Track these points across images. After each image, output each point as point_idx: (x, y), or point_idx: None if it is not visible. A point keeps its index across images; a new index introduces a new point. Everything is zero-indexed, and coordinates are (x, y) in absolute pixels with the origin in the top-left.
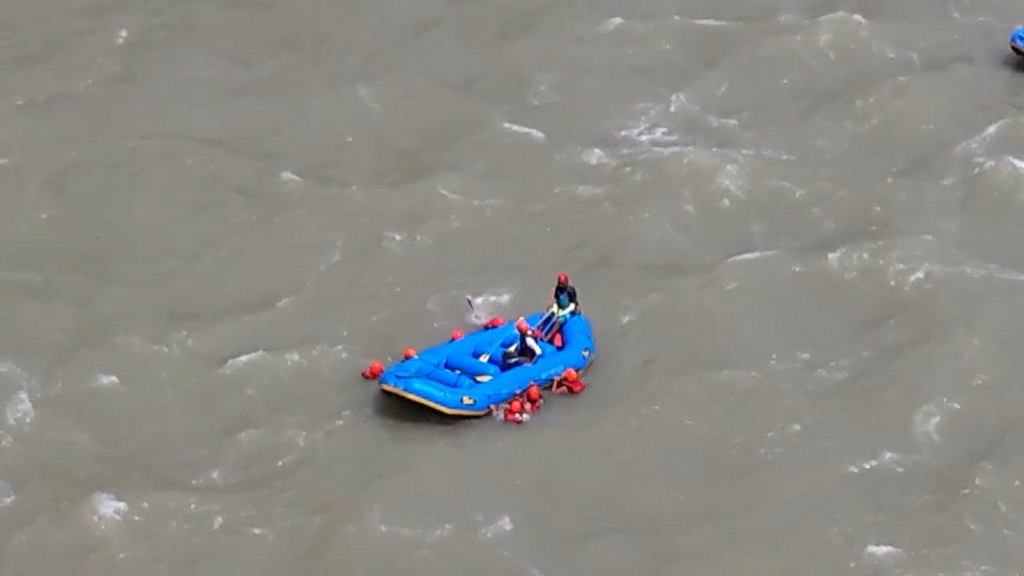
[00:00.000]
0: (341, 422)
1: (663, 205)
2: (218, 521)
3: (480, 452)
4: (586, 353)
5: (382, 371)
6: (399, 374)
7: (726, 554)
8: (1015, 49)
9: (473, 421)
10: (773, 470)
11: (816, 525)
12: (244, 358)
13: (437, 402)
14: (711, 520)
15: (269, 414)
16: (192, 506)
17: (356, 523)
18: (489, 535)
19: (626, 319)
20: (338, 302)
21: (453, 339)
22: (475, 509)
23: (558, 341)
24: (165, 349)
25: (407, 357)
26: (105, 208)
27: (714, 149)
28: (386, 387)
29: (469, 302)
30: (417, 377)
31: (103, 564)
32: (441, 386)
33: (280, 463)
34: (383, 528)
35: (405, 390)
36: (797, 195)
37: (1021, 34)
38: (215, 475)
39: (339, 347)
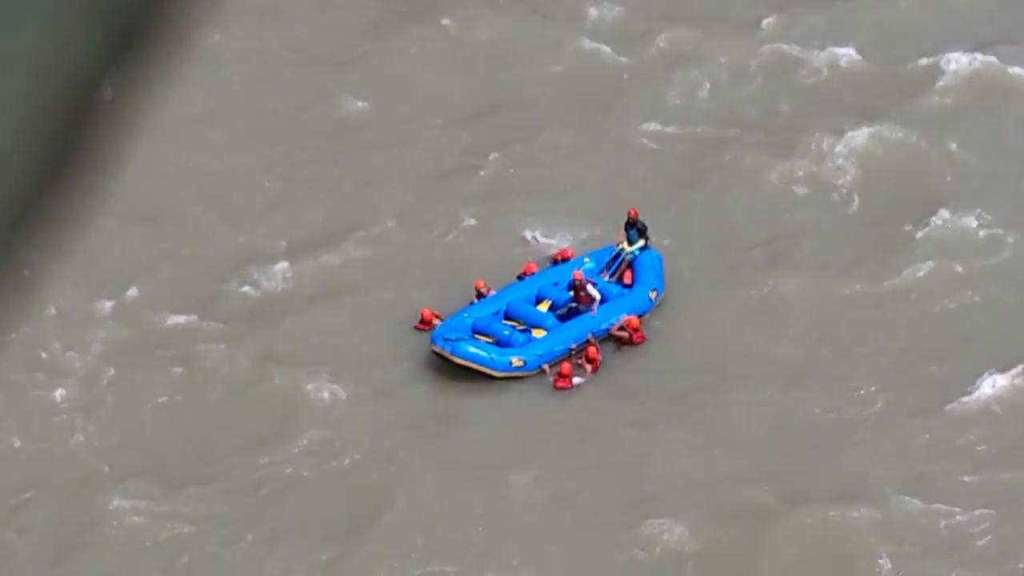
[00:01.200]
0: (395, 375)
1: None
2: (261, 471)
3: (534, 414)
4: (653, 295)
5: (432, 320)
6: (447, 336)
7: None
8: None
9: (531, 381)
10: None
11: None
12: (306, 294)
13: (485, 366)
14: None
15: (321, 359)
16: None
17: (405, 486)
18: (529, 501)
19: (710, 269)
20: (411, 235)
21: (525, 274)
22: (516, 473)
23: (628, 278)
24: (227, 285)
25: (477, 290)
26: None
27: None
28: (434, 348)
29: (535, 238)
30: (465, 339)
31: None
32: (490, 347)
33: (331, 415)
34: (430, 494)
35: (452, 354)
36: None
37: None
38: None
39: (409, 282)
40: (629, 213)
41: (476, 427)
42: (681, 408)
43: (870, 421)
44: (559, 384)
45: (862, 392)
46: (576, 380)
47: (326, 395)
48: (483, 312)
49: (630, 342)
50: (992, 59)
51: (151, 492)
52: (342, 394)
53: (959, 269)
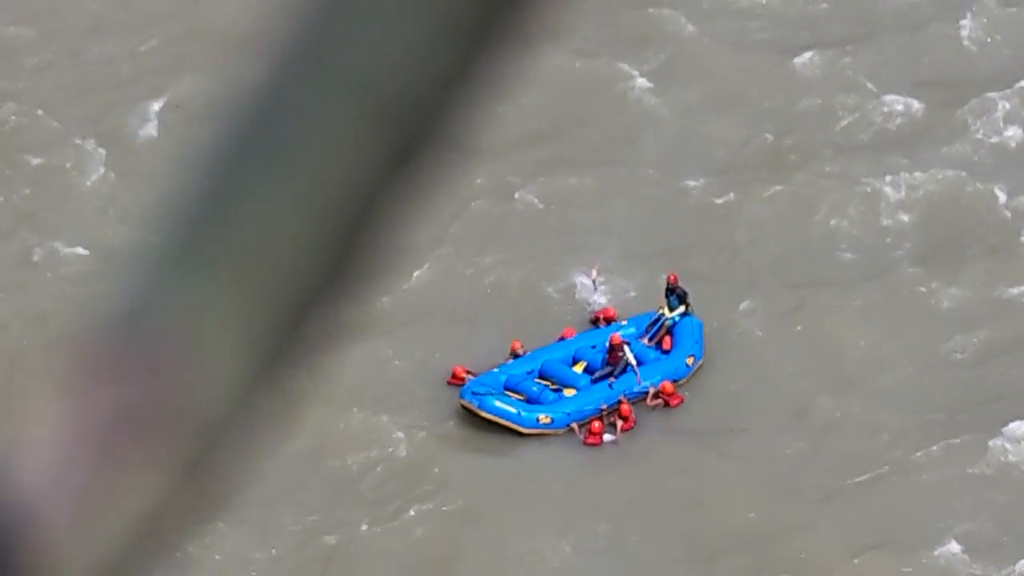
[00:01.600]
0: (422, 431)
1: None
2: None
3: (567, 470)
4: (690, 360)
5: (464, 376)
6: (476, 390)
7: None
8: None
9: (563, 438)
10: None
11: None
12: (337, 343)
13: (512, 421)
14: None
15: (352, 413)
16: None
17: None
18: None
19: (749, 318)
20: (447, 286)
21: (562, 338)
22: (562, 529)
23: (667, 344)
24: None
25: (512, 351)
26: None
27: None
28: (462, 403)
29: (593, 281)
30: (493, 394)
31: None
32: (518, 403)
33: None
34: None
35: (479, 408)
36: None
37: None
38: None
39: (443, 338)
40: (669, 279)
41: (510, 483)
42: (721, 461)
43: (921, 475)
44: (589, 440)
45: (909, 446)
46: (607, 437)
47: (358, 450)
48: (517, 370)
49: (667, 406)
50: None
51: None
52: (375, 449)
53: (1013, 323)
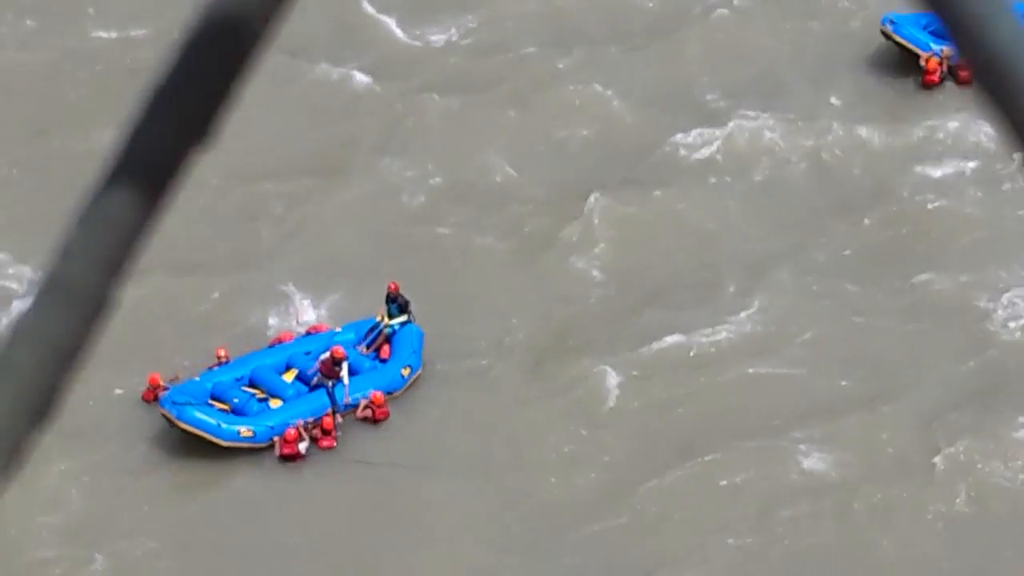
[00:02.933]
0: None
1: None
2: None
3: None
4: (406, 371)
5: (159, 386)
6: (176, 399)
7: None
8: (884, 34)
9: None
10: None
11: None
12: None
13: (211, 434)
14: None
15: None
16: None
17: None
18: None
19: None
20: (157, 295)
21: (279, 341)
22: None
23: (385, 353)
24: None
25: (218, 357)
26: None
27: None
28: (162, 411)
29: (295, 311)
30: (193, 404)
31: None
32: (220, 414)
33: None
34: None
35: (177, 418)
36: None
37: (892, 18)
38: None
39: (144, 349)
40: (389, 287)
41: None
42: (417, 495)
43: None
44: (285, 451)
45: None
46: (302, 446)
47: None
48: (225, 377)
49: (372, 419)
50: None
51: None
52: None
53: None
